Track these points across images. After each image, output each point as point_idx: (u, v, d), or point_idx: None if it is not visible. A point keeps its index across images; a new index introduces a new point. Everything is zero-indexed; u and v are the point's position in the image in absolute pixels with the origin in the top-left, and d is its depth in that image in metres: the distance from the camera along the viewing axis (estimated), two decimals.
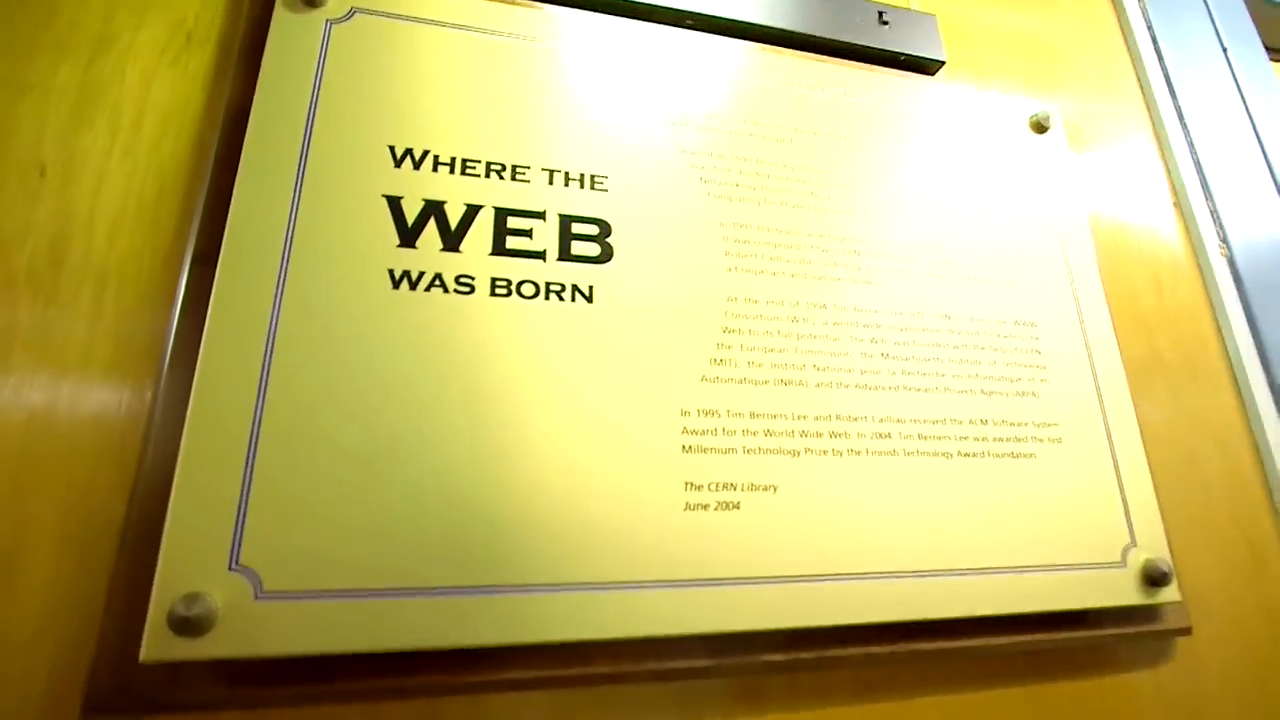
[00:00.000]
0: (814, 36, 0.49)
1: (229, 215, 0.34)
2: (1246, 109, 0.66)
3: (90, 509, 0.30)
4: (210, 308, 0.32)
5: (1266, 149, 0.65)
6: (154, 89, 0.38)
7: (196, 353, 0.31)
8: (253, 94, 0.37)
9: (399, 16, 0.40)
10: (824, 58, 0.49)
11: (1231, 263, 0.59)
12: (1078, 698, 0.41)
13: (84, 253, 0.34)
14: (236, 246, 0.33)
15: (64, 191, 0.35)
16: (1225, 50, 0.67)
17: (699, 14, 0.47)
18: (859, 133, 0.47)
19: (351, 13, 0.39)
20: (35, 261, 0.33)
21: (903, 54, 0.51)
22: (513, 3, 0.43)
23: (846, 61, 0.50)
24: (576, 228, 0.38)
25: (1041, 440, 0.42)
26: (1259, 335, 0.56)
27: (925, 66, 0.52)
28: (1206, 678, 0.44)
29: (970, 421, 0.41)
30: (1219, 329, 0.56)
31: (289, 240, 0.34)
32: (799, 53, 0.49)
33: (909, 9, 0.53)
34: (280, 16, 0.38)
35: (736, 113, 0.45)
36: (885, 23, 0.52)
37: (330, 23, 0.39)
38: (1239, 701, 0.44)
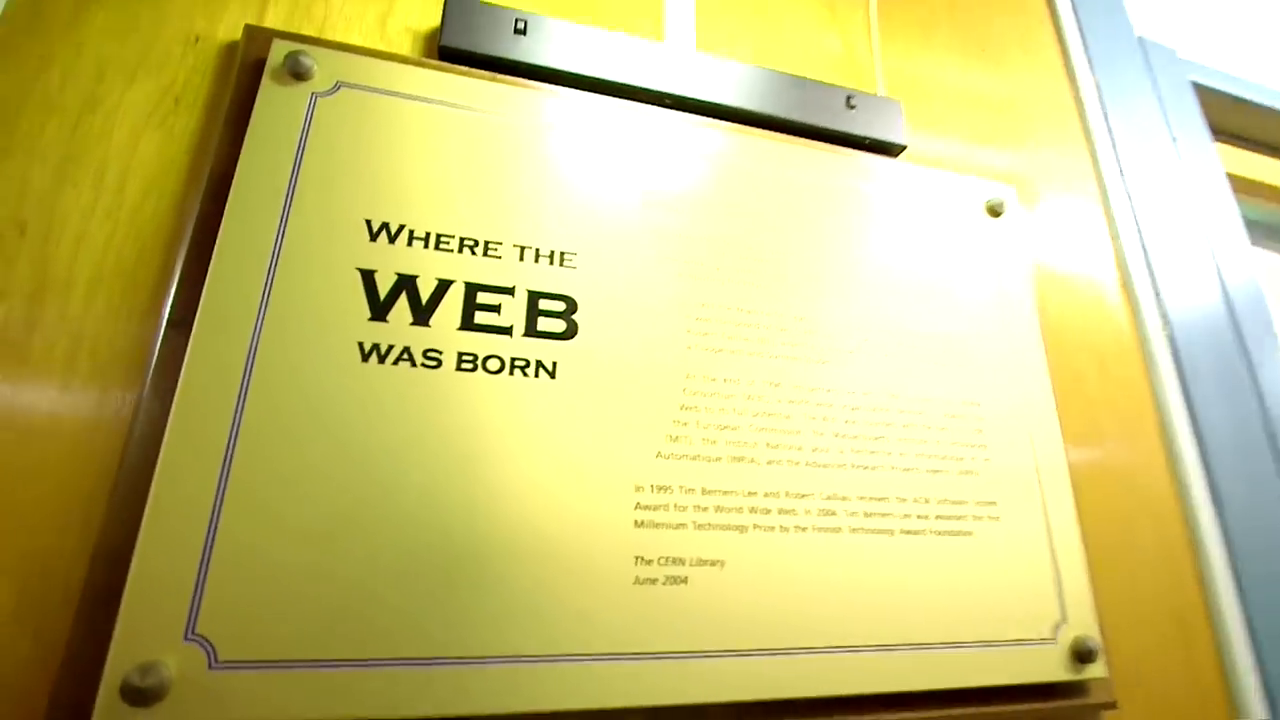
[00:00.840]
0: (785, 119, 0.52)
1: (205, 282, 0.35)
2: (1190, 194, 0.70)
3: (49, 577, 0.31)
4: (181, 376, 0.33)
5: (1208, 232, 0.69)
6: (140, 150, 0.39)
7: (166, 420, 0.32)
8: (236, 161, 0.38)
9: (382, 91, 0.42)
10: (793, 139, 0.52)
11: (1172, 341, 0.62)
12: None
13: (59, 313, 0.35)
14: (211, 314, 0.34)
15: (43, 250, 0.36)
16: (1174, 140, 0.71)
17: (675, 95, 0.49)
18: (823, 213, 0.50)
19: (337, 86, 0.41)
20: (11, 320, 0.34)
21: (867, 137, 0.54)
22: (492, 79, 0.45)
23: (815, 143, 0.52)
24: (544, 304, 0.40)
25: (981, 518, 0.44)
26: (1194, 414, 0.59)
27: (888, 149, 0.55)
28: None
29: (913, 500, 0.43)
30: (1157, 407, 0.59)
31: (263, 310, 0.35)
32: (770, 133, 0.51)
33: (875, 95, 0.56)
34: (267, 87, 0.40)
35: (707, 192, 0.47)
36: (852, 107, 0.54)
37: (316, 95, 0.40)
38: None
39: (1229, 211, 0.72)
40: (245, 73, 0.41)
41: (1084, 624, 0.45)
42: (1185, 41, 0.81)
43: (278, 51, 0.40)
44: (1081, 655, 0.43)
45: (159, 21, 0.42)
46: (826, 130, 0.53)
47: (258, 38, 0.42)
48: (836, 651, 0.38)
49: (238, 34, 0.43)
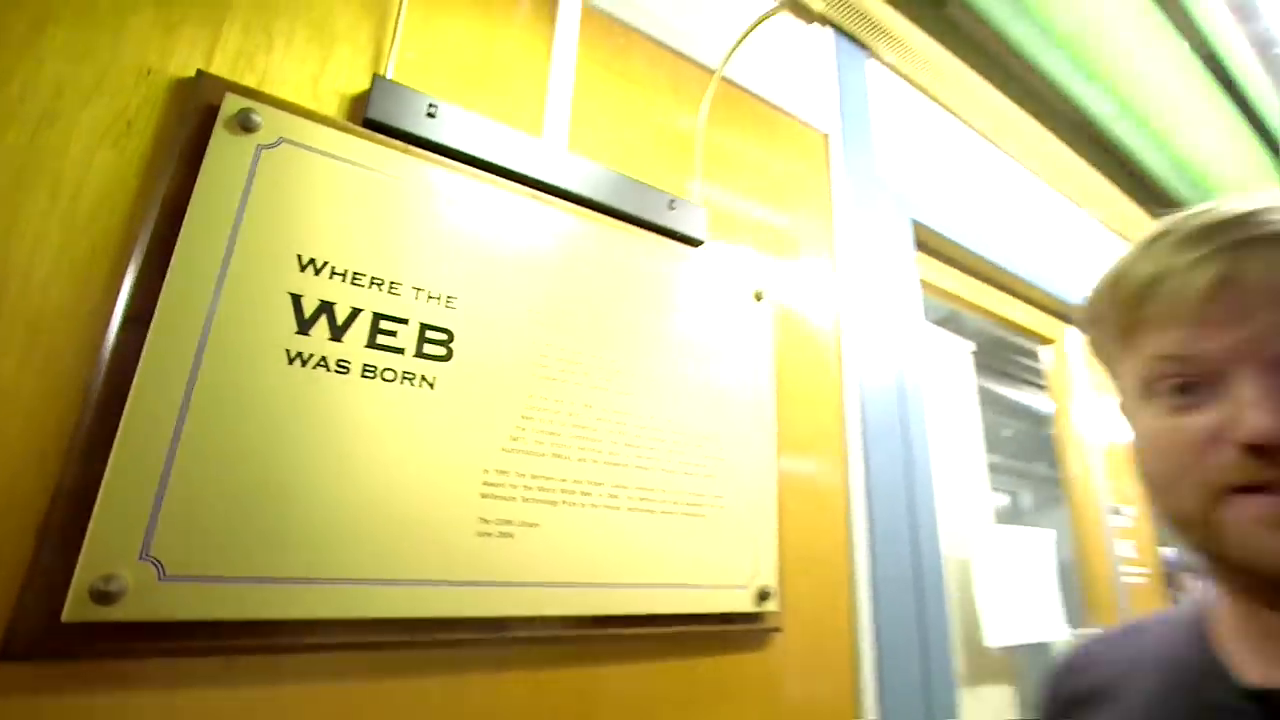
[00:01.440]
0: (623, 211, 0.71)
1: (163, 287, 0.45)
2: (891, 290, 1.01)
3: (8, 513, 0.40)
4: (141, 362, 0.43)
5: (899, 315, 1.01)
6: (94, 166, 0.47)
7: (122, 396, 0.42)
8: (188, 187, 0.48)
9: (316, 150, 0.54)
10: (627, 226, 0.71)
11: (862, 391, 0.92)
12: (713, 668, 0.66)
13: (19, 300, 0.43)
14: (168, 315, 0.44)
15: (4, 245, 0.43)
16: (888, 253, 1.03)
17: (544, 182, 0.66)
18: (641, 285, 0.69)
19: (279, 141, 0.52)
20: None
21: (680, 232, 0.75)
22: (406, 151, 0.58)
23: (642, 231, 0.72)
24: (430, 334, 0.54)
25: (713, 507, 0.67)
26: (866, 445, 0.89)
27: (693, 242, 0.77)
28: (791, 656, 0.72)
29: (672, 491, 0.64)
30: (844, 439, 0.87)
31: (212, 315, 0.46)
32: (611, 220, 0.70)
33: (690, 201, 0.78)
34: (219, 134, 0.50)
35: (558, 261, 0.64)
36: (673, 208, 0.75)
37: (261, 147, 0.51)
38: (806, 668, 0.73)
39: (916, 303, 1.05)
40: (197, 114, 0.50)
41: (767, 577, 0.69)
42: (909, 193, 1.15)
43: (231, 104, 0.50)
44: (762, 596, 0.68)
45: (115, 50, 0.50)
46: (652, 223, 0.73)
47: (211, 85, 0.51)
48: (613, 587, 0.58)
49: (187, 72, 0.52)
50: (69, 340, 0.44)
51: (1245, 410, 0.32)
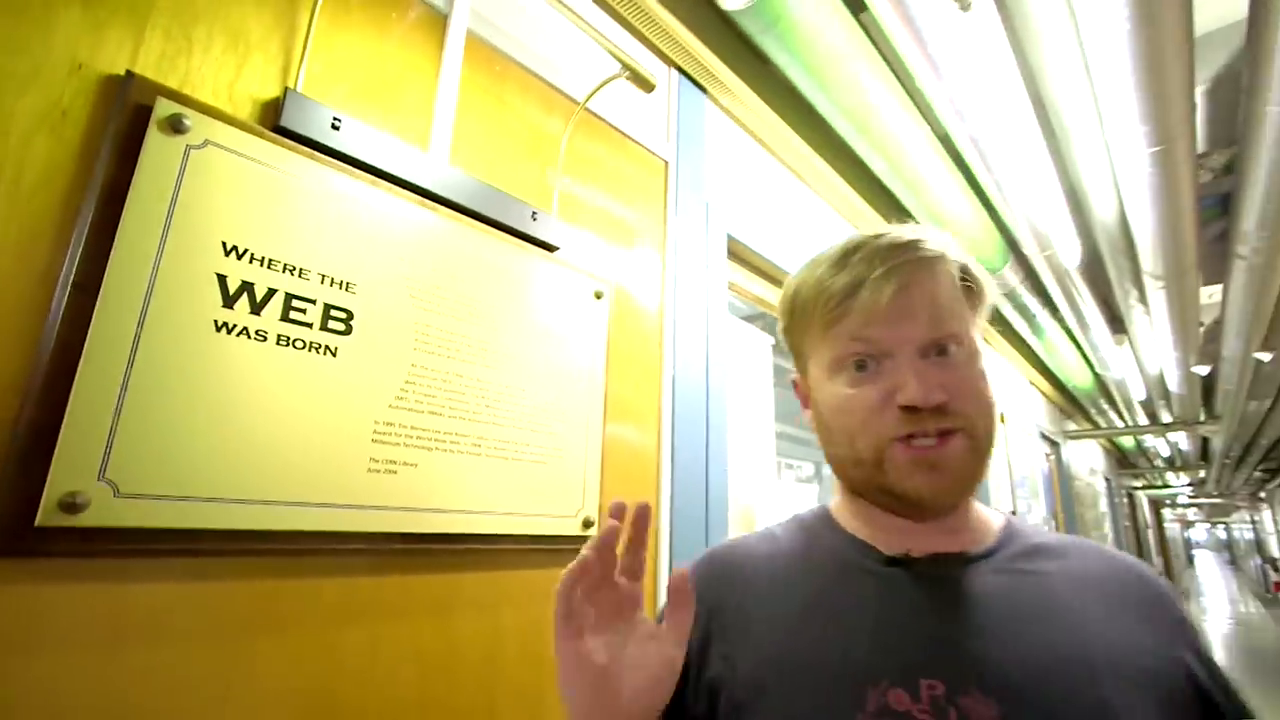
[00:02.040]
0: (493, 219, 0.87)
1: (109, 262, 0.55)
2: (706, 291, 1.28)
3: None
4: (93, 322, 0.53)
5: (710, 313, 1.27)
6: (31, 150, 0.55)
7: (75, 350, 0.52)
8: (124, 176, 0.57)
9: (237, 153, 0.64)
10: (497, 232, 0.88)
11: (674, 370, 1.17)
12: (546, 577, 0.87)
13: None
14: (115, 282, 0.55)
15: None
16: (708, 261, 1.29)
17: (425, 189, 0.80)
18: (505, 281, 0.87)
19: (205, 143, 0.62)
20: None
21: (538, 239, 0.93)
22: (312, 157, 0.70)
23: (508, 237, 0.89)
24: (334, 312, 0.68)
25: (554, 456, 0.88)
26: (675, 410, 1.14)
27: (549, 248, 0.95)
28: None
29: (523, 444, 0.84)
30: (659, 406, 1.12)
31: (151, 287, 0.56)
32: (483, 226, 0.86)
33: (549, 213, 0.96)
34: (153, 134, 0.59)
35: (438, 257, 0.80)
36: (535, 219, 0.93)
37: (189, 148, 0.61)
38: None
39: (723, 303, 1.33)
40: (130, 111, 0.59)
41: (591, 510, 0.92)
42: (726, 211, 1.43)
43: (163, 107, 0.60)
44: (586, 524, 0.90)
45: (46, 44, 0.57)
46: (517, 230, 0.90)
47: (143, 86, 0.60)
48: (474, 513, 0.76)
49: (115, 69, 0.60)
50: (17, 300, 0.52)
51: (904, 383, 0.47)
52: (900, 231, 0.52)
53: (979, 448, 0.48)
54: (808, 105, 1.47)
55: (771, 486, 1.60)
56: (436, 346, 0.77)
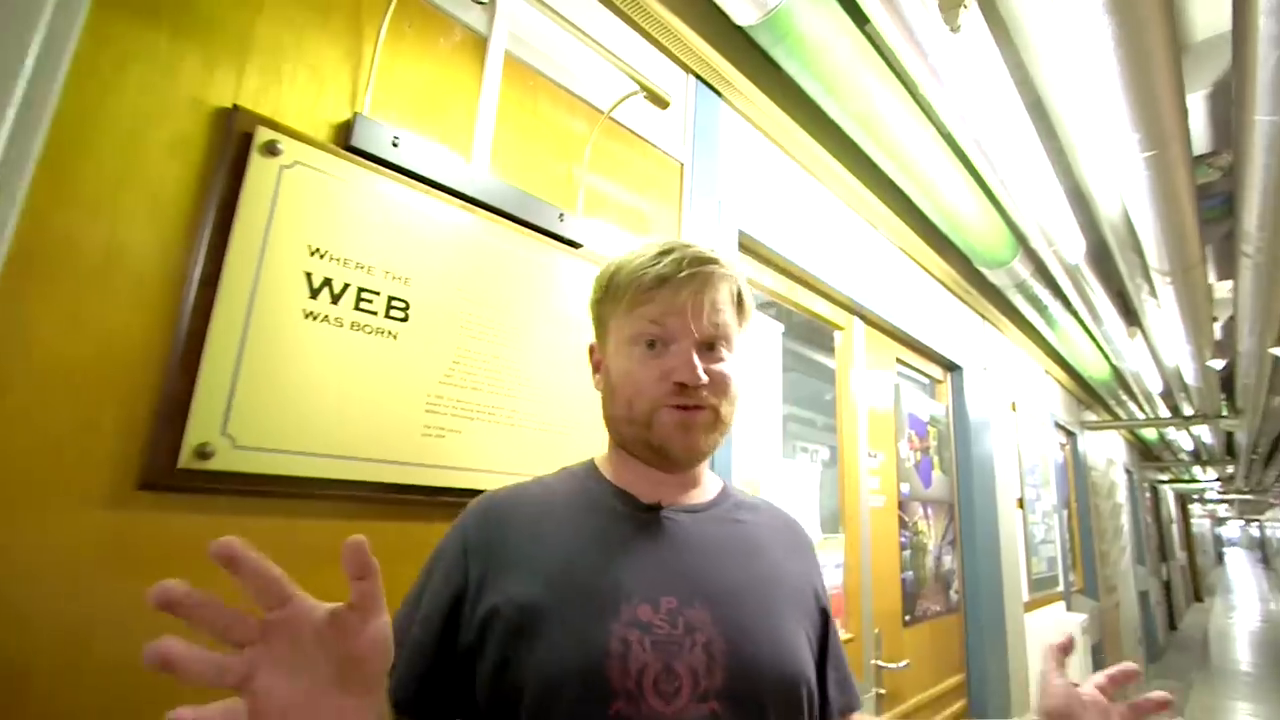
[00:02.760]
0: (526, 220, 1.00)
1: (225, 263, 0.69)
2: None
3: (131, 398, 0.64)
4: (214, 310, 0.67)
5: None
6: (167, 170, 0.69)
7: (201, 332, 0.66)
8: (234, 192, 0.71)
9: (317, 169, 0.77)
10: (530, 232, 1.00)
11: None
12: None
13: (122, 260, 0.65)
14: (230, 279, 0.69)
15: (112, 227, 0.64)
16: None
17: (469, 195, 0.93)
18: (535, 275, 1.00)
19: (294, 163, 0.75)
20: (95, 261, 0.63)
21: (565, 237, 1.06)
22: (377, 171, 0.83)
23: (540, 236, 1.02)
24: (394, 302, 0.82)
25: (575, 428, 1.01)
26: None
27: (575, 245, 1.07)
28: None
29: (549, 416, 0.97)
30: None
31: (257, 282, 0.70)
32: (517, 227, 0.99)
33: (575, 213, 1.08)
34: (255, 158, 0.72)
35: (479, 254, 0.93)
36: (562, 219, 1.05)
37: (282, 168, 0.74)
38: None
39: None
40: (236, 138, 0.72)
41: None
42: (739, 208, 1.53)
43: (262, 135, 0.73)
44: None
45: (172, 85, 0.70)
46: (547, 230, 1.03)
47: (245, 117, 0.73)
48: (507, 474, 0.90)
49: (223, 102, 0.73)
50: (158, 293, 0.67)
51: (682, 365, 0.60)
52: (704, 248, 0.67)
53: (720, 424, 0.65)
54: (818, 110, 1.56)
55: (778, 463, 1.72)
56: (478, 332, 0.91)
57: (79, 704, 0.58)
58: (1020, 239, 2.23)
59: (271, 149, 0.74)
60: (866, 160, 1.78)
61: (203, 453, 0.65)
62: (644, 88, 1.06)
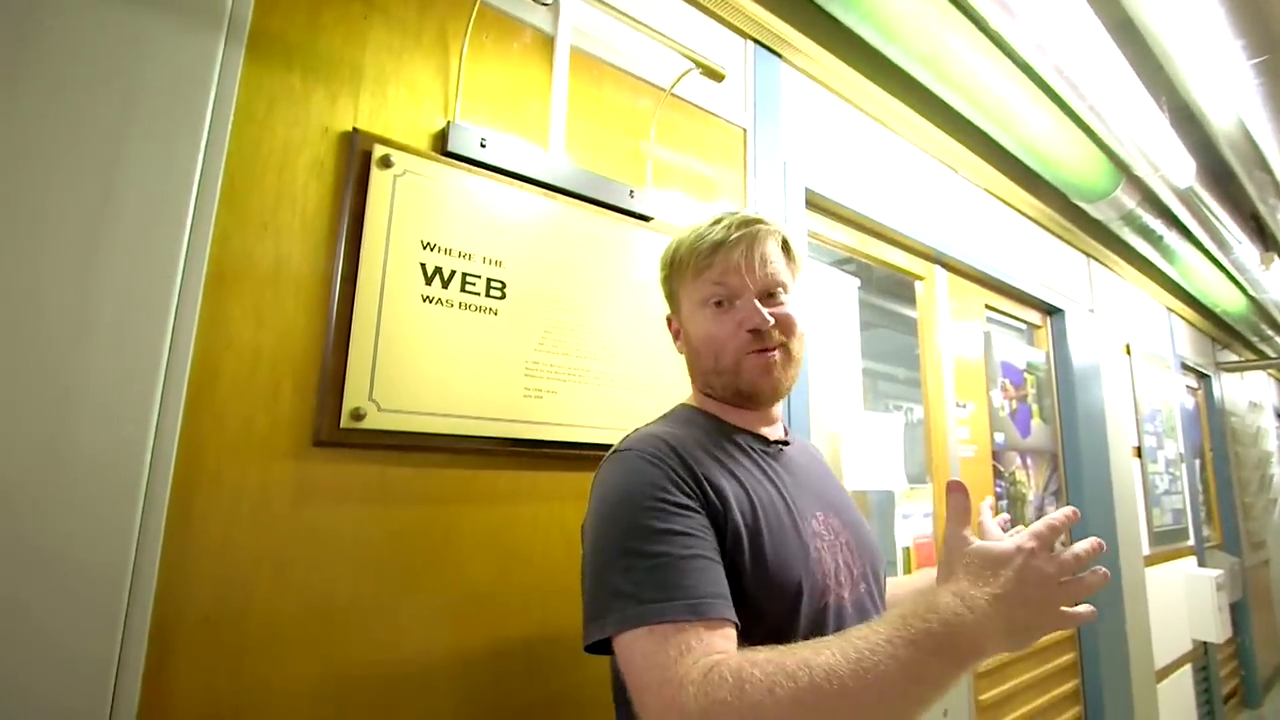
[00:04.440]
0: (600, 200, 1.10)
1: (359, 262, 0.84)
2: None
3: (303, 375, 0.80)
4: (356, 301, 0.83)
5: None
6: (309, 191, 0.84)
7: (347, 319, 0.82)
8: (360, 203, 0.86)
9: (423, 175, 0.91)
10: (604, 210, 1.10)
11: None
12: None
13: (285, 266, 0.81)
14: (365, 275, 0.84)
15: (277, 238, 0.81)
16: (786, 214, 1.44)
17: (547, 182, 1.04)
18: (612, 249, 1.10)
19: (405, 172, 0.89)
20: (268, 269, 0.80)
21: (637, 212, 1.15)
22: (470, 171, 0.96)
23: (612, 213, 1.12)
24: (493, 284, 0.95)
25: (657, 386, 1.11)
26: None
27: (646, 219, 1.17)
28: None
29: (632, 376, 1.08)
30: None
31: (384, 275, 0.85)
32: (592, 207, 1.09)
33: (645, 188, 1.17)
34: (375, 172, 0.87)
35: (561, 235, 1.04)
36: (632, 195, 1.15)
37: (395, 177, 0.89)
38: None
39: (804, 250, 1.48)
40: (359, 157, 0.87)
41: None
42: (804, 166, 1.55)
43: (378, 151, 0.87)
44: None
45: (308, 117, 0.86)
46: (619, 207, 1.12)
47: (364, 138, 0.87)
48: (598, 428, 1.02)
49: (345, 127, 0.88)
50: (314, 290, 0.83)
51: (749, 315, 0.71)
52: (749, 212, 0.78)
53: (793, 360, 0.75)
54: (882, 58, 1.54)
55: (859, 416, 1.76)
56: (564, 304, 1.03)
57: (281, 615, 0.77)
58: (1121, 167, 2.07)
59: (386, 162, 0.88)
60: (938, 102, 1.74)
61: (357, 415, 0.81)
62: (699, 65, 1.12)
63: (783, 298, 0.75)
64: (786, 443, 0.80)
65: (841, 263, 2.04)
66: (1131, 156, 1.83)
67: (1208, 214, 2.25)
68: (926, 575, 0.90)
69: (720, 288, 0.74)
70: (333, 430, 0.80)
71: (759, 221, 0.77)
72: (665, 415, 0.81)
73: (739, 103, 1.40)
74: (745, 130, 1.40)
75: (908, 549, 1.79)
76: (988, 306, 2.26)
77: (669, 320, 0.85)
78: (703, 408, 0.80)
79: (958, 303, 2.10)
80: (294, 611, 0.77)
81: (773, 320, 0.72)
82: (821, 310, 1.71)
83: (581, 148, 1.13)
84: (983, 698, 1.83)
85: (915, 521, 1.85)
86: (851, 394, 1.77)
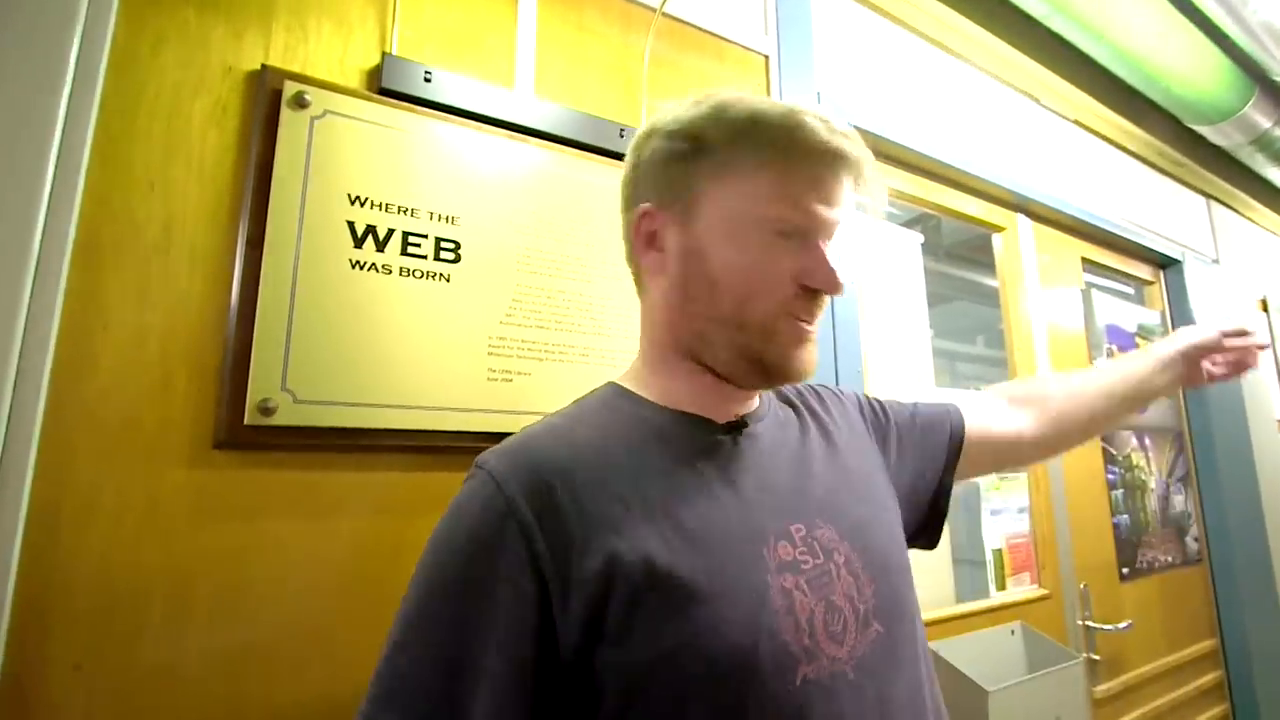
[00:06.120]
0: (581, 141, 0.91)
1: (268, 222, 0.68)
2: None
3: (198, 362, 0.66)
4: (262, 269, 0.67)
5: None
6: (207, 140, 0.70)
7: (253, 294, 0.67)
8: (269, 152, 0.70)
9: (350, 116, 0.75)
10: (585, 153, 0.92)
11: None
12: None
13: (177, 231, 0.67)
14: (273, 241, 0.68)
15: (166, 200, 0.67)
16: None
17: (513, 123, 0.86)
18: (595, 199, 0.91)
19: (325, 113, 0.74)
20: (155, 235, 0.66)
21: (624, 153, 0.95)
22: (411, 110, 0.79)
23: (597, 156, 0.92)
24: (444, 244, 0.78)
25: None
26: None
27: None
28: None
29: (622, 351, 0.89)
30: None
31: (300, 238, 0.70)
32: (571, 149, 0.90)
33: (637, 127, 0.97)
34: (285, 113, 0.71)
35: (532, 183, 0.86)
36: (622, 135, 0.95)
37: (313, 119, 0.73)
38: None
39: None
40: (266, 97, 0.72)
41: None
42: (849, 101, 1.31)
43: (289, 89, 0.72)
44: None
45: (205, 56, 0.71)
46: (606, 149, 0.93)
47: (273, 75, 0.72)
48: None
49: (253, 66, 0.73)
50: (214, 260, 0.68)
51: (821, 267, 0.47)
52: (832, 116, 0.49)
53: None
54: None
55: (927, 376, 1.49)
56: (539, 267, 0.84)
57: (181, 642, 0.62)
58: (1253, 73, 1.68)
59: (300, 101, 0.72)
60: (1012, 12, 1.44)
61: (265, 408, 0.65)
62: None
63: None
64: (744, 423, 0.53)
65: (910, 222, 1.76)
66: (1271, 57, 1.46)
67: None
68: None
69: (799, 214, 0.47)
70: (236, 429, 0.65)
71: (856, 140, 0.49)
72: (581, 399, 0.58)
73: (757, 24, 1.18)
74: (767, 57, 1.18)
75: (999, 551, 1.50)
76: (1086, 261, 1.91)
77: (647, 216, 0.53)
78: (641, 390, 0.54)
79: (1050, 257, 1.77)
80: (197, 651, 0.62)
81: (844, 287, 0.49)
82: (880, 273, 1.45)
83: (558, 84, 0.94)
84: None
85: (1008, 518, 1.55)
86: (920, 371, 1.50)
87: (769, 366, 0.49)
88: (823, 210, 0.48)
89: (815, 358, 0.51)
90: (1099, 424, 0.76)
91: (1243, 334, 0.78)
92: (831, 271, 0.48)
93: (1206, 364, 0.79)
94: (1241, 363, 0.79)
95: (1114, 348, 1.91)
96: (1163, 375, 0.77)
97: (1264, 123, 1.78)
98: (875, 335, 1.38)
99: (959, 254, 2.68)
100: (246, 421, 0.65)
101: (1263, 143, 1.87)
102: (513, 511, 0.42)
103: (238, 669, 0.63)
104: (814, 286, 0.48)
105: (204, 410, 0.65)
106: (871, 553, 0.50)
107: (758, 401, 0.57)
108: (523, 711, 0.39)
